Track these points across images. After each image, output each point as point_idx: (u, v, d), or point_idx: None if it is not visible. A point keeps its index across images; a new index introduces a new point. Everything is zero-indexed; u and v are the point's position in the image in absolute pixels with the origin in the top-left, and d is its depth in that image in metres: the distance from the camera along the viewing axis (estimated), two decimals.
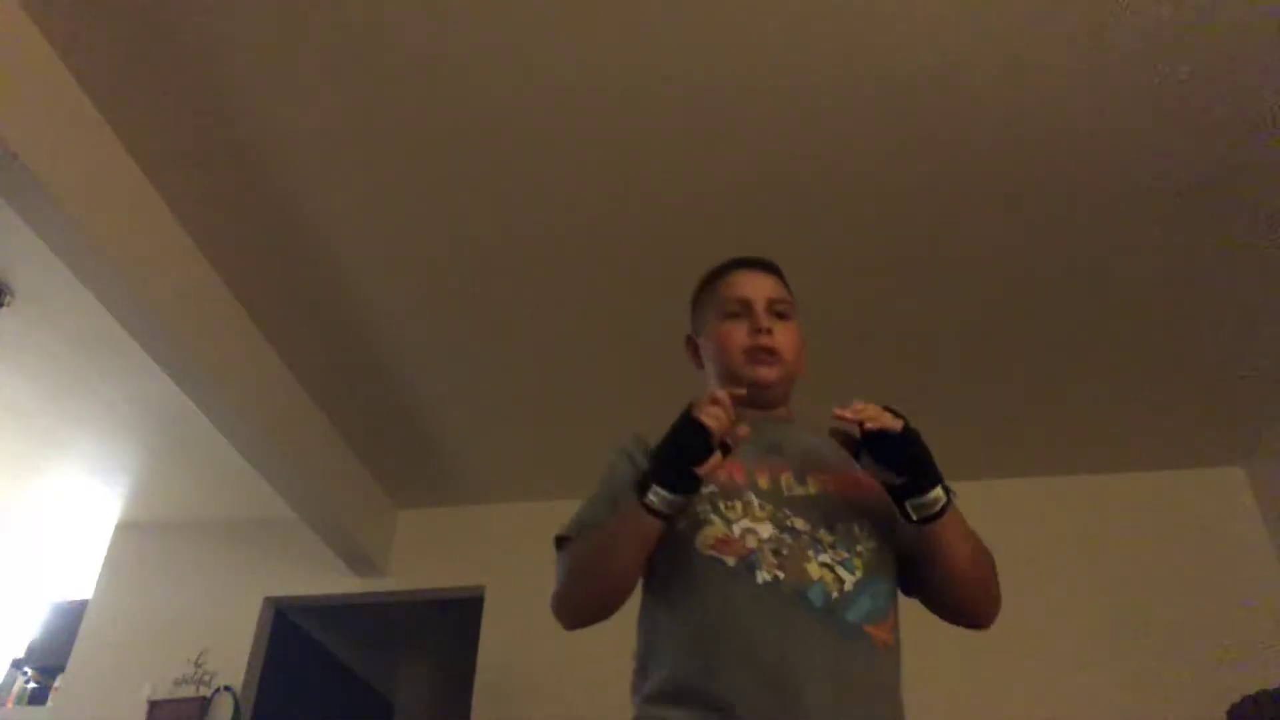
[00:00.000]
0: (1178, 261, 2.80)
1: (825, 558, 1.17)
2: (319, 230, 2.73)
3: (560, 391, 3.42)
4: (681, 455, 1.14)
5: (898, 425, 1.15)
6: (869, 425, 1.15)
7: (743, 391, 1.21)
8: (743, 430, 1.16)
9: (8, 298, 2.87)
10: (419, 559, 4.05)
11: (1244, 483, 3.72)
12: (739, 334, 1.37)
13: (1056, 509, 3.69)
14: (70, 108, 2.27)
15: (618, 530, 1.20)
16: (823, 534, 1.20)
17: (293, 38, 2.18)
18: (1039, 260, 2.82)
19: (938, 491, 1.16)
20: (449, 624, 5.04)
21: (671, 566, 1.22)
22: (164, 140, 2.44)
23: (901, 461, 1.16)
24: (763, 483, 1.25)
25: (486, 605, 3.87)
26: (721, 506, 1.22)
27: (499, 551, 3.94)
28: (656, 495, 1.14)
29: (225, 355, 2.90)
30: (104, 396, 3.39)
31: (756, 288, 1.41)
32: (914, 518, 1.17)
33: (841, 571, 1.17)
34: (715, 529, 1.20)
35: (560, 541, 1.31)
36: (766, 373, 1.35)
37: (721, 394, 1.16)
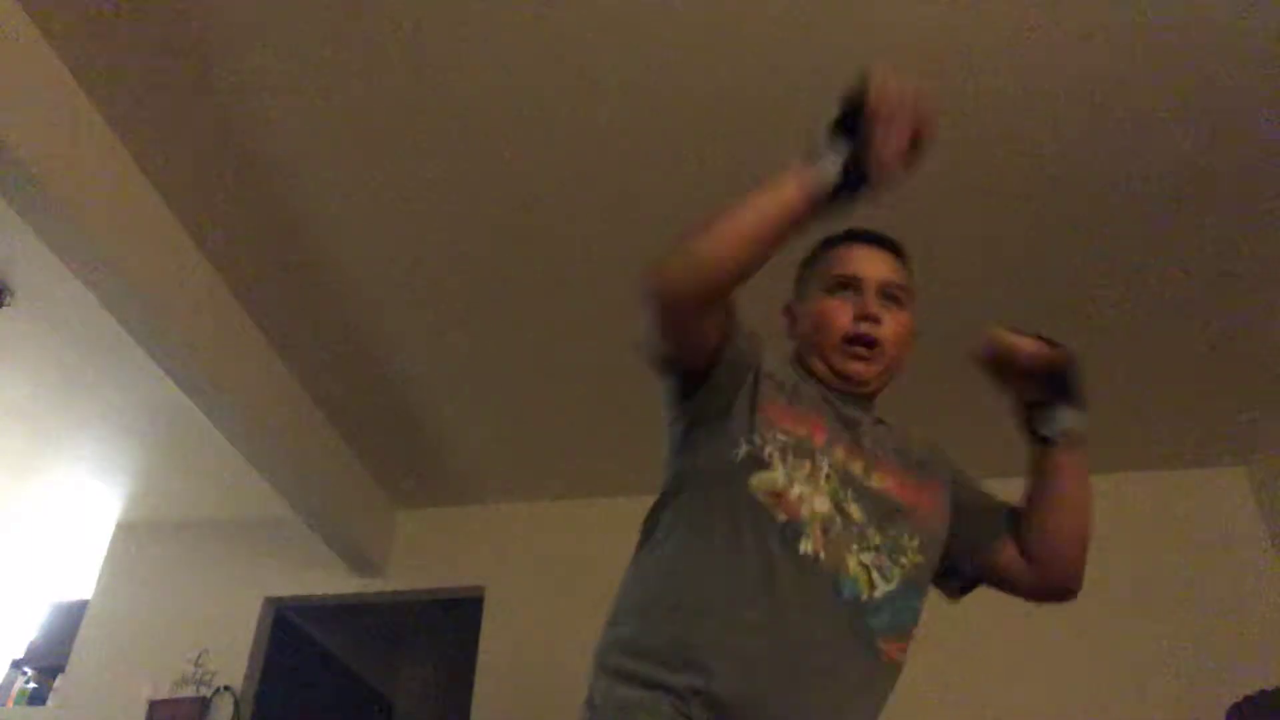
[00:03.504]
0: (1178, 261, 2.79)
1: (867, 558, 1.12)
2: (320, 231, 2.73)
3: (561, 392, 3.42)
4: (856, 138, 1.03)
5: (1064, 357, 1.18)
6: (1043, 363, 1.17)
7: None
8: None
9: (8, 298, 2.86)
10: (419, 559, 4.05)
11: (1244, 483, 3.72)
12: (842, 315, 1.24)
13: None
14: (70, 108, 2.26)
15: (758, 192, 1.07)
16: (872, 533, 1.14)
17: (294, 39, 2.18)
18: (1037, 260, 2.81)
19: (1084, 417, 1.19)
20: (449, 624, 5.04)
21: (714, 499, 1.13)
22: (165, 140, 2.44)
23: (1060, 385, 1.19)
24: (839, 454, 1.17)
25: (486, 605, 3.86)
26: (790, 457, 1.13)
27: (499, 551, 3.94)
28: (828, 157, 1.02)
29: (226, 355, 2.90)
30: (104, 396, 3.39)
31: (872, 266, 1.27)
32: (1056, 429, 1.19)
33: (876, 576, 1.12)
34: (774, 475, 1.11)
35: None
36: (862, 368, 1.23)
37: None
